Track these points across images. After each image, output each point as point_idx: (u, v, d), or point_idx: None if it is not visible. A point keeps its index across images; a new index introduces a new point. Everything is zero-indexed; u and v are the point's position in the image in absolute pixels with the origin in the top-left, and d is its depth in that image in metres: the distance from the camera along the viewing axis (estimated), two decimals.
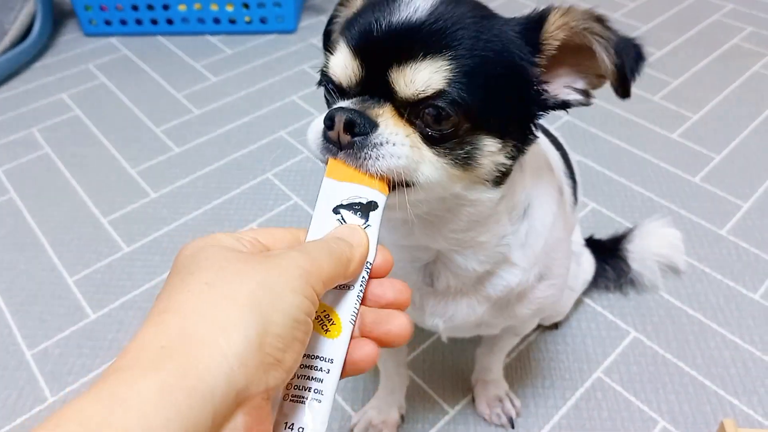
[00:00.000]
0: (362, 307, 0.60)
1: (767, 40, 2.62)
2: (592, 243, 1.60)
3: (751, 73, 2.43)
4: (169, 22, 2.72)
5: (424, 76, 0.67)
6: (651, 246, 1.63)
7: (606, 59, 0.72)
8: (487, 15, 0.74)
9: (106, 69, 2.54)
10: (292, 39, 2.71)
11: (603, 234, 1.68)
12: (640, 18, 2.79)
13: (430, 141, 0.70)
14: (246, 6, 2.67)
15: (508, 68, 0.72)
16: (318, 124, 0.69)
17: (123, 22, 2.72)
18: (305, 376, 0.55)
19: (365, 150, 0.65)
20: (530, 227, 0.90)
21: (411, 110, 0.69)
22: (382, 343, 0.58)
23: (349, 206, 0.62)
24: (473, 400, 1.41)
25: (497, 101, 0.72)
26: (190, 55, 2.62)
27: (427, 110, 0.68)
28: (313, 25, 2.78)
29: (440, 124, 0.69)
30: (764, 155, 2.05)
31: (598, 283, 1.61)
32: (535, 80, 0.75)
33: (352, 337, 0.58)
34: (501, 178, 0.77)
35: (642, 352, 1.50)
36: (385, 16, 0.69)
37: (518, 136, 0.77)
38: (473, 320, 0.97)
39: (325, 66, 0.75)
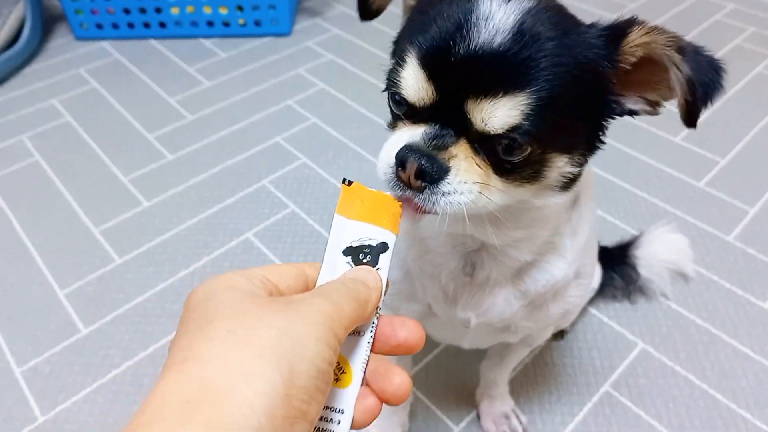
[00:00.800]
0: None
1: None
2: (598, 250, 1.56)
3: (754, 74, 2.39)
4: (162, 25, 2.67)
5: (502, 114, 0.64)
6: (658, 252, 1.60)
7: (678, 91, 0.68)
8: (569, 28, 0.69)
9: (98, 74, 2.49)
10: (287, 42, 2.66)
11: (608, 241, 1.64)
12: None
13: (501, 171, 0.69)
14: (240, 9, 2.62)
15: (585, 86, 0.69)
16: (388, 155, 0.68)
17: (114, 26, 2.66)
18: (318, 428, 0.52)
19: (434, 196, 0.66)
20: (579, 215, 0.89)
21: (484, 143, 0.67)
22: (377, 398, 0.56)
23: (359, 249, 0.60)
24: (478, 417, 1.37)
25: (571, 122, 0.70)
26: (183, 59, 2.57)
27: (500, 142, 0.67)
28: (308, 28, 2.73)
29: (512, 155, 0.67)
30: None
31: (605, 291, 1.57)
32: (610, 93, 0.72)
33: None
34: (569, 183, 0.76)
35: (650, 365, 1.46)
36: (464, 35, 0.65)
37: (586, 145, 0.75)
38: (507, 316, 0.94)
39: (393, 78, 0.71)
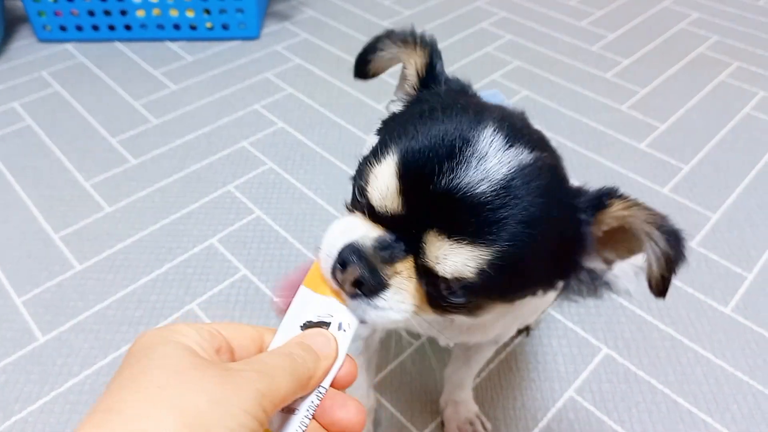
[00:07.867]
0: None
1: (732, 49, 2.63)
2: None
3: (717, 82, 2.43)
4: (127, 28, 2.63)
5: (458, 261, 0.61)
6: None
7: (655, 268, 0.67)
8: (557, 196, 0.66)
9: (61, 77, 2.44)
10: (254, 46, 2.64)
11: None
12: (607, 27, 2.78)
13: (435, 304, 0.67)
14: (207, 12, 2.60)
15: (554, 252, 0.67)
16: (333, 246, 0.64)
17: (79, 28, 2.62)
18: None
19: (366, 306, 0.62)
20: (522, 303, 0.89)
21: (429, 277, 0.64)
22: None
23: (319, 324, 0.58)
24: (442, 424, 1.36)
25: (524, 281, 0.68)
26: (148, 62, 2.53)
27: (444, 285, 0.64)
28: (276, 32, 2.71)
29: (452, 297, 0.65)
30: (732, 165, 2.05)
31: (572, 288, 1.58)
32: (577, 257, 0.71)
33: None
34: None
35: (614, 370, 1.47)
36: (452, 166, 0.61)
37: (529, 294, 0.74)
38: (486, 340, 0.96)
39: (364, 171, 0.67)
